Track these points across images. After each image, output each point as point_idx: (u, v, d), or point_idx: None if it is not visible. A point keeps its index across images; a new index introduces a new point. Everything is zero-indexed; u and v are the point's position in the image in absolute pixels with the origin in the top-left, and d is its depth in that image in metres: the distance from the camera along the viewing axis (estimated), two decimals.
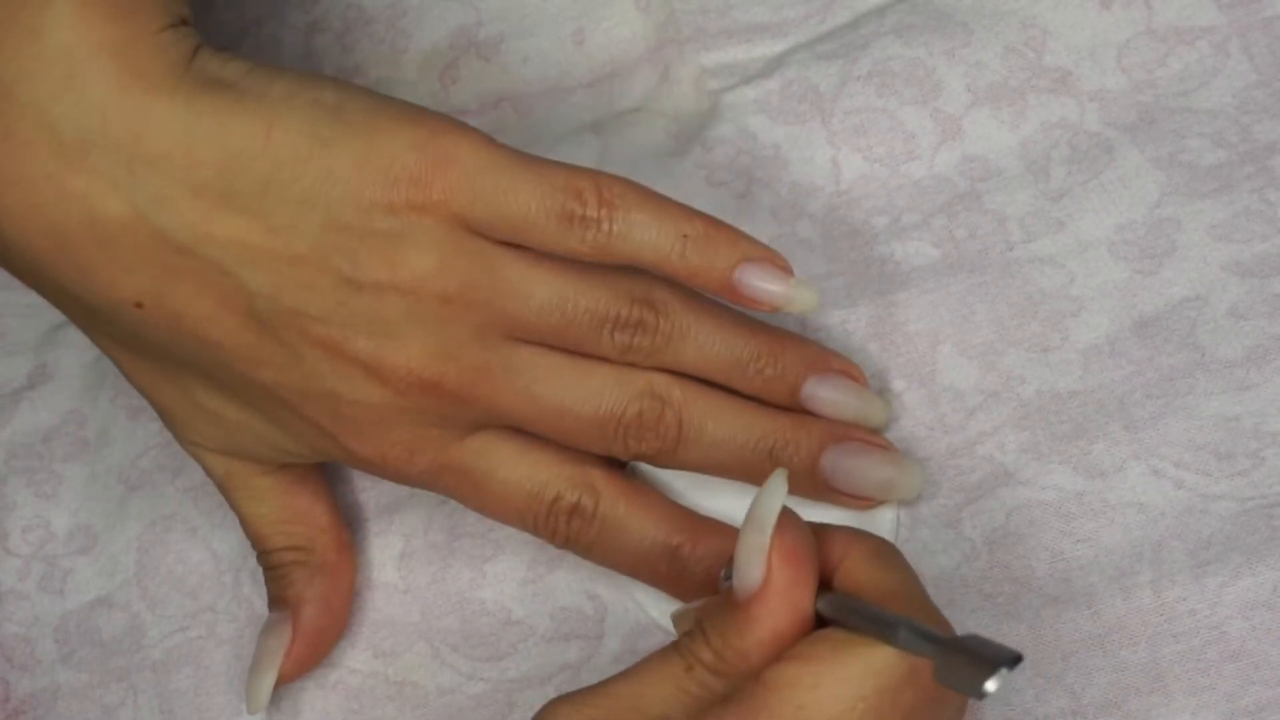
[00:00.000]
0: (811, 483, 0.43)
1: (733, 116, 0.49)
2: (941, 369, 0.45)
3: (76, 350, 0.50)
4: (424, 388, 0.41)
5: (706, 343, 0.43)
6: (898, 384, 0.45)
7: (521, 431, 0.43)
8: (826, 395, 0.43)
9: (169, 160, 0.39)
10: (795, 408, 0.43)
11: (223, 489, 0.45)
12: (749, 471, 0.43)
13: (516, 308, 0.41)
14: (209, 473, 0.45)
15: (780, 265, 0.42)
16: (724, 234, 0.42)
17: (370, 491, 0.47)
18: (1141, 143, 0.46)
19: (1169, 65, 0.47)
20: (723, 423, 0.43)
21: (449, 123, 0.41)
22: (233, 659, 0.46)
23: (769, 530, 0.36)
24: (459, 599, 0.45)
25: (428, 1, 0.53)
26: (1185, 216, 0.45)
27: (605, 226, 0.41)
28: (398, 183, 0.40)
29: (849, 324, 0.46)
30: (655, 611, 0.44)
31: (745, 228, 0.47)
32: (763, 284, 0.42)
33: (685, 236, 0.41)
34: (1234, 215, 0.45)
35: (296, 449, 0.43)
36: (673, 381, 0.43)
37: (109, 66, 0.39)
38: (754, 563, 0.36)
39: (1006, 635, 0.42)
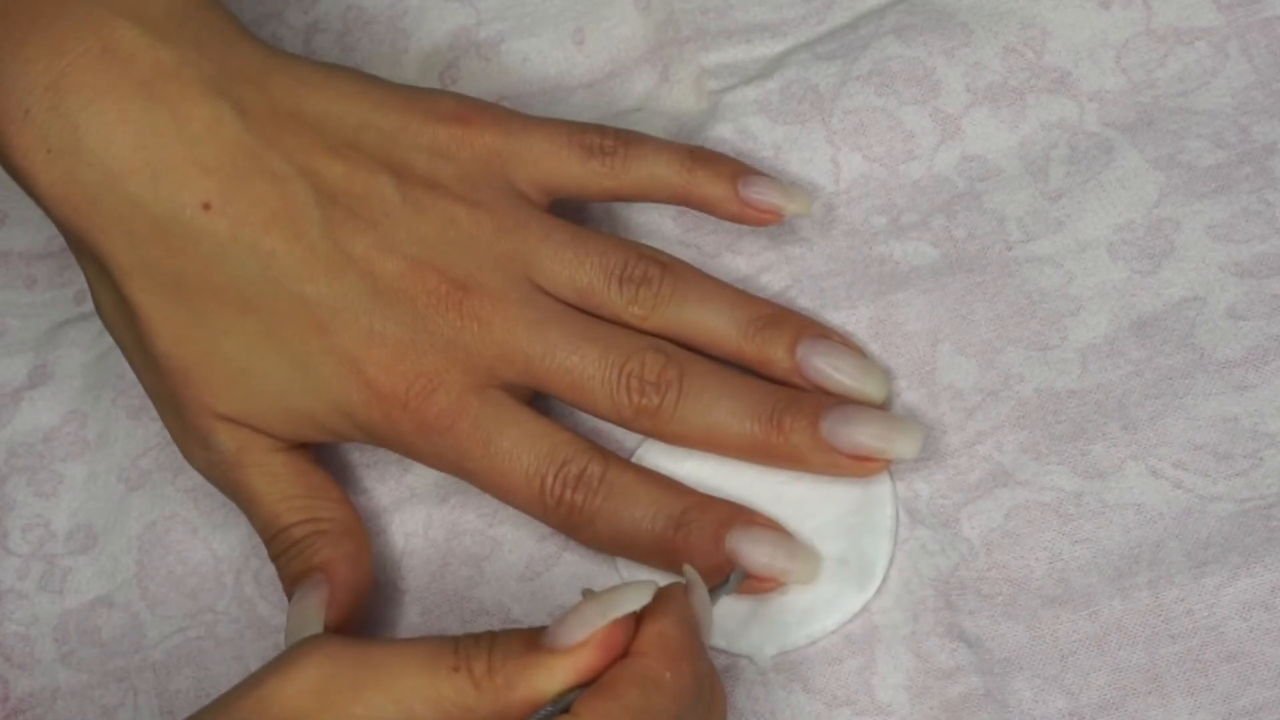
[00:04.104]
0: (814, 444, 0.43)
1: (732, 116, 0.49)
2: (941, 368, 0.45)
3: (77, 350, 0.50)
4: (450, 304, 0.43)
5: (710, 299, 0.44)
6: (897, 384, 0.45)
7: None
8: (821, 362, 0.44)
9: (251, 81, 0.44)
10: (793, 371, 0.44)
11: (234, 467, 0.44)
12: (749, 442, 0.43)
13: (535, 245, 0.44)
14: (219, 452, 0.44)
15: (772, 178, 0.46)
16: (724, 157, 0.46)
17: (370, 494, 0.47)
18: (1140, 143, 0.46)
19: (1168, 66, 0.47)
20: (725, 383, 0.44)
21: None
22: (233, 660, 0.46)
23: (610, 618, 0.36)
24: (458, 599, 0.45)
25: (428, 2, 0.53)
26: (1184, 217, 0.45)
27: (621, 153, 0.45)
28: (441, 118, 0.45)
29: (849, 324, 0.46)
30: None
31: (744, 226, 0.48)
32: (764, 192, 0.45)
33: (691, 154, 0.46)
34: (1233, 216, 0.45)
35: (315, 408, 0.43)
36: (674, 346, 0.44)
37: (208, 10, 0.44)
38: (577, 632, 0.36)
39: (1004, 635, 0.42)
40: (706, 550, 0.42)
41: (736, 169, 0.46)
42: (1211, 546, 0.42)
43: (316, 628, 0.42)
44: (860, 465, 0.43)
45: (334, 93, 0.44)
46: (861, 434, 0.43)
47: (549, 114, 0.51)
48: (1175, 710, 0.40)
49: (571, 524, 0.43)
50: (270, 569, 0.46)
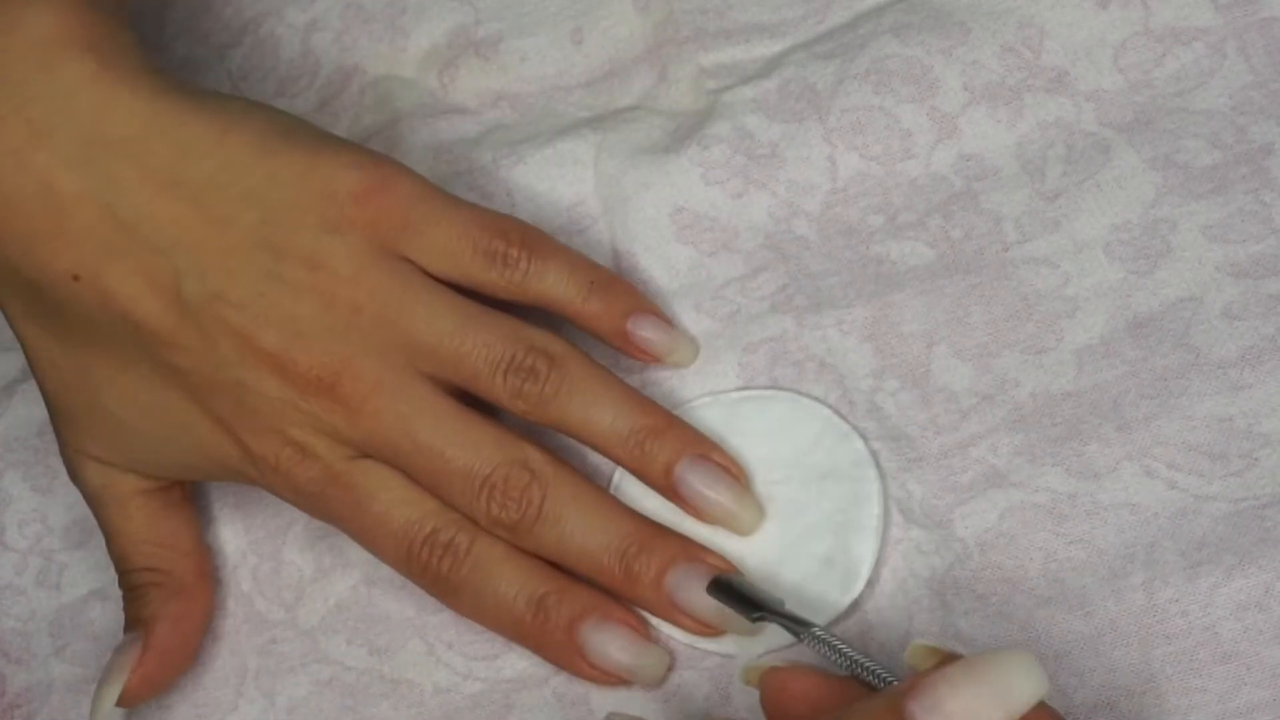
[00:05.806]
0: (657, 599, 0.43)
1: (730, 115, 0.49)
2: (935, 370, 0.45)
3: None
4: (321, 389, 0.42)
5: (594, 402, 0.43)
6: (891, 384, 0.45)
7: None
8: (697, 485, 0.43)
9: (126, 145, 0.42)
10: (669, 489, 0.43)
11: (96, 502, 0.45)
12: (599, 572, 0.43)
13: (420, 329, 0.43)
14: (84, 485, 0.45)
15: (666, 320, 0.45)
16: (624, 286, 0.46)
17: None
18: (1137, 143, 0.46)
19: (1165, 65, 0.47)
20: (584, 511, 0.43)
21: (389, 158, 0.44)
22: (229, 655, 0.46)
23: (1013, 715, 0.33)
24: None
25: (426, 0, 0.53)
26: (1180, 217, 0.45)
27: (523, 265, 0.44)
28: (335, 197, 0.43)
29: (844, 324, 0.46)
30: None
31: (741, 225, 0.48)
32: (650, 333, 0.45)
33: (591, 283, 0.44)
34: (1229, 216, 0.45)
35: (191, 459, 0.44)
36: (548, 460, 0.43)
37: (81, 58, 0.43)
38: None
39: (999, 636, 0.42)
40: (558, 639, 0.43)
41: (630, 305, 0.45)
42: (1206, 547, 0.42)
43: (116, 688, 0.43)
44: (698, 628, 0.43)
45: (222, 161, 0.43)
46: (693, 608, 0.42)
47: (547, 113, 0.51)
48: (1170, 710, 0.40)
49: (438, 590, 0.44)
50: (267, 565, 0.47)
